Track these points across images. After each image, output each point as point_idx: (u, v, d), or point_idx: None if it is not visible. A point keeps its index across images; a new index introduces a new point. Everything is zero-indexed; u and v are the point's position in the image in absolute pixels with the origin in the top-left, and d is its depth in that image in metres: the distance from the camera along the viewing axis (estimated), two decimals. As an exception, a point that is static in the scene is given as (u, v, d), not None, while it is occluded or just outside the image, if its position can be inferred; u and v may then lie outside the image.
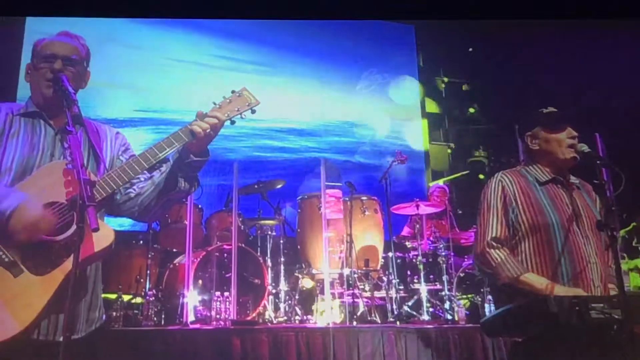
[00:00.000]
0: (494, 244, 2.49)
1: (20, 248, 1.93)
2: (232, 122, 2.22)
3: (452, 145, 9.56)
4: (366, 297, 5.62)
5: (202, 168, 2.22)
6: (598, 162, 2.47)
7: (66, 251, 1.94)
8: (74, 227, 1.95)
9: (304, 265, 5.91)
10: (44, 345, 1.97)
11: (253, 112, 2.25)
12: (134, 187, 2.25)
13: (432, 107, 9.71)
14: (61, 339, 1.95)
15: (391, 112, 9.28)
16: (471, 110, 9.36)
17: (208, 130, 2.11)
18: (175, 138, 2.13)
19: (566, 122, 2.58)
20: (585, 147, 2.51)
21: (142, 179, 2.25)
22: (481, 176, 8.91)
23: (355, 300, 5.52)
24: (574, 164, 2.57)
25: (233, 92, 2.24)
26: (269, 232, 5.91)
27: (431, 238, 6.65)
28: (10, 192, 1.95)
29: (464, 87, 9.71)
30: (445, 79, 9.91)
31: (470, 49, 8.82)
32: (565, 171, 2.64)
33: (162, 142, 2.13)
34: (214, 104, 2.20)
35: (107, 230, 2.00)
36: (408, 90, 9.53)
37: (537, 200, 2.52)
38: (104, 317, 2.25)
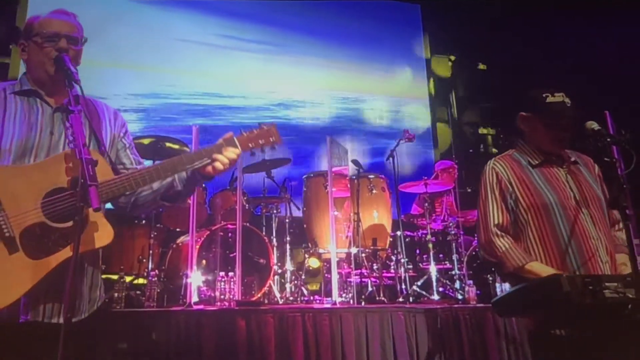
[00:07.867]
0: (498, 232, 2.50)
1: (22, 228, 1.92)
2: (252, 154, 2.36)
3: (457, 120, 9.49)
4: (374, 277, 5.54)
5: None
6: (608, 139, 2.40)
7: (64, 240, 1.95)
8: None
9: (310, 245, 5.84)
10: (48, 328, 1.97)
11: (273, 149, 2.38)
12: None
13: (438, 85, 9.59)
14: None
15: (398, 91, 9.25)
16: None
17: (227, 167, 2.22)
18: (197, 156, 2.19)
19: (563, 117, 2.50)
20: (595, 125, 2.43)
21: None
22: (494, 150, 8.83)
23: (363, 279, 5.45)
24: (562, 149, 2.57)
25: (260, 124, 2.36)
26: (274, 211, 5.84)
27: (442, 216, 6.55)
28: None
29: (481, 67, 9.57)
30: (452, 57, 9.77)
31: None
32: (558, 150, 2.60)
33: (184, 156, 2.18)
34: (241, 131, 2.33)
35: (107, 230, 2.02)
36: (414, 68, 9.49)
37: (533, 182, 2.52)
38: (103, 295, 2.26)
